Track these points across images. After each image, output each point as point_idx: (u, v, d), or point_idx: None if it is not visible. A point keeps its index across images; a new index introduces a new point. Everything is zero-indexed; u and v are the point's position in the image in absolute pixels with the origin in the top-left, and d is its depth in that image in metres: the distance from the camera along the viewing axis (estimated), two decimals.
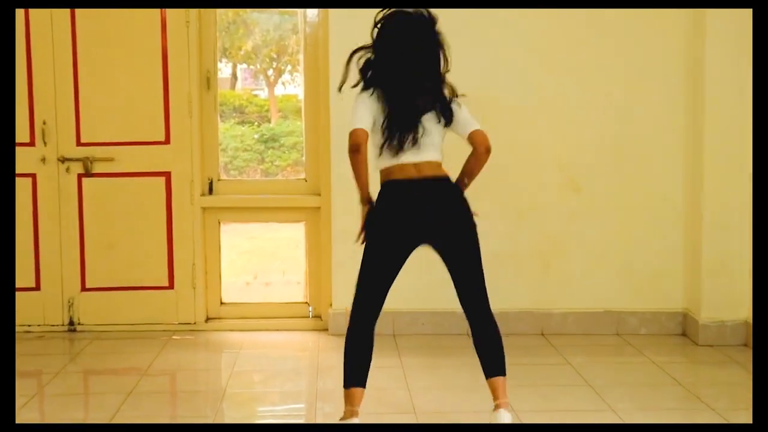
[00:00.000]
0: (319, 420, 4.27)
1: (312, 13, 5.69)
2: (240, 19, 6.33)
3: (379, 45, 3.88)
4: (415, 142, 3.80)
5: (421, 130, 3.81)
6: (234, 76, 8.71)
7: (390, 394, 4.57)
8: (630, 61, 5.55)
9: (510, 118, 5.53)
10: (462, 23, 5.47)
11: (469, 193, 5.55)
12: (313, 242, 5.84)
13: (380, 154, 3.87)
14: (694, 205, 5.51)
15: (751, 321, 5.32)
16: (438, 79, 3.94)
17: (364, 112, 3.80)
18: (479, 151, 3.95)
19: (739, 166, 5.34)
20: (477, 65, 5.50)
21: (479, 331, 4.01)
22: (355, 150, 3.73)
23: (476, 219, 3.99)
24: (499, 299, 5.60)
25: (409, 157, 3.82)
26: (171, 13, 5.58)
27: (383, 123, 3.80)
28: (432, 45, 3.92)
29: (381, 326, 5.50)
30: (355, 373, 3.85)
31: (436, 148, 3.91)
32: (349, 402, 3.81)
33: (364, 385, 3.85)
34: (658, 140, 5.59)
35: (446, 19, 5.45)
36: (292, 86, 8.42)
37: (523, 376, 4.79)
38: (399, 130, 3.78)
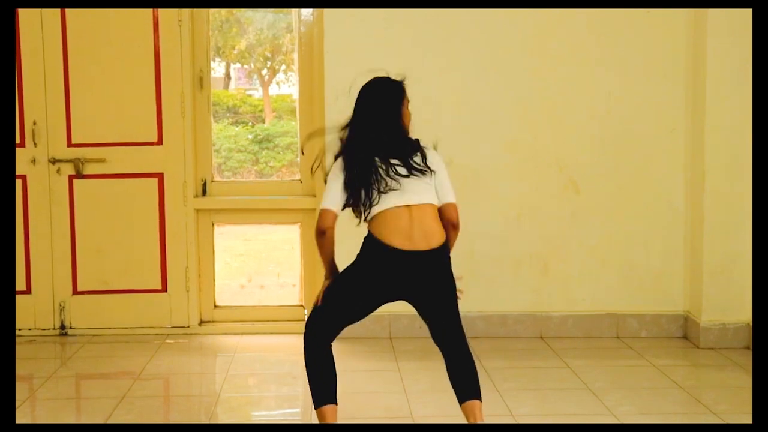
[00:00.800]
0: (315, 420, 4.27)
1: (307, 11, 5.70)
2: (233, 17, 6.34)
3: (352, 116, 3.95)
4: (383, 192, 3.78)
5: (384, 184, 3.77)
6: (227, 75, 8.71)
7: (387, 397, 4.59)
8: (630, 62, 5.56)
9: (510, 119, 5.56)
10: (461, 24, 5.52)
11: (468, 197, 5.59)
12: (308, 244, 5.83)
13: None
14: (695, 206, 5.53)
15: (752, 324, 5.34)
16: (397, 132, 3.89)
17: (334, 186, 3.83)
18: (447, 226, 3.86)
19: (740, 167, 5.37)
20: (477, 66, 5.54)
21: (456, 364, 3.86)
22: (320, 234, 3.81)
23: None
24: (498, 302, 5.67)
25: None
26: (163, 11, 5.60)
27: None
28: (391, 103, 3.92)
29: (378, 330, 5.58)
30: (323, 390, 3.76)
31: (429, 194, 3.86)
32: (323, 421, 3.73)
33: (335, 401, 3.75)
34: (659, 141, 5.61)
35: (445, 20, 5.53)
36: (287, 86, 8.42)
37: (522, 380, 4.84)
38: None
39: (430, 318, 3.89)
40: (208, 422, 4.30)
